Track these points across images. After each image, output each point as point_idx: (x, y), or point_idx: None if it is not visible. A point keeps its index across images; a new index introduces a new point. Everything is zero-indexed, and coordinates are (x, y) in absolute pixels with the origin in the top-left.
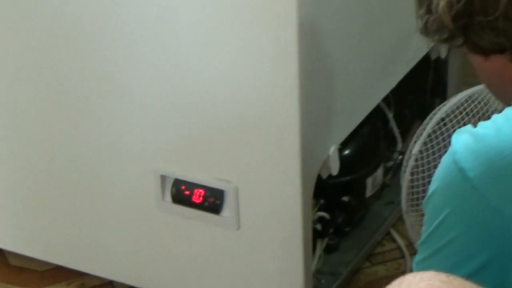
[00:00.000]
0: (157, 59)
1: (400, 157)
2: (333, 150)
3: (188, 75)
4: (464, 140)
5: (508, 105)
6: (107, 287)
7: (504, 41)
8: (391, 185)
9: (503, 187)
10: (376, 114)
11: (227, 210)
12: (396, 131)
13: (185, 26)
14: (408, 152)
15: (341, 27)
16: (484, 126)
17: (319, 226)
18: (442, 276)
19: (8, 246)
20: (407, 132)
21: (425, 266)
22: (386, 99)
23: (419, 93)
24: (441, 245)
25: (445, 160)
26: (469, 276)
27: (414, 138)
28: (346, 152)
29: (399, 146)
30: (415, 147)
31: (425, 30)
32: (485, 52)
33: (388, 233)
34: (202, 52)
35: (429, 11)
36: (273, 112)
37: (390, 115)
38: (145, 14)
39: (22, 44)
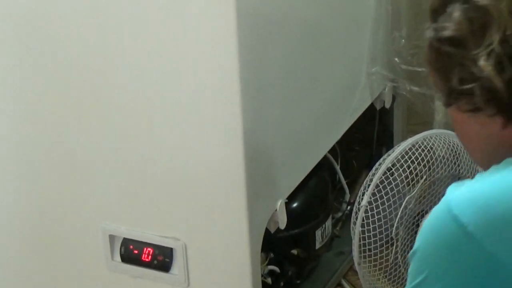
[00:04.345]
0: (103, 118)
1: (349, 207)
2: (280, 204)
3: (136, 137)
4: (459, 190)
5: (486, 169)
6: None
7: None
8: (341, 235)
9: (499, 233)
10: (323, 166)
11: (176, 267)
12: (343, 182)
13: (130, 88)
14: (357, 203)
15: (284, 82)
16: (478, 179)
17: (269, 280)
18: None
19: None
20: (355, 182)
21: None
22: (332, 150)
23: (365, 143)
24: None
25: (438, 209)
26: None
27: (362, 190)
28: (294, 205)
29: (347, 196)
30: (364, 199)
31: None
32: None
33: (340, 284)
34: (147, 113)
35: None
36: (218, 169)
37: (337, 167)
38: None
39: None
